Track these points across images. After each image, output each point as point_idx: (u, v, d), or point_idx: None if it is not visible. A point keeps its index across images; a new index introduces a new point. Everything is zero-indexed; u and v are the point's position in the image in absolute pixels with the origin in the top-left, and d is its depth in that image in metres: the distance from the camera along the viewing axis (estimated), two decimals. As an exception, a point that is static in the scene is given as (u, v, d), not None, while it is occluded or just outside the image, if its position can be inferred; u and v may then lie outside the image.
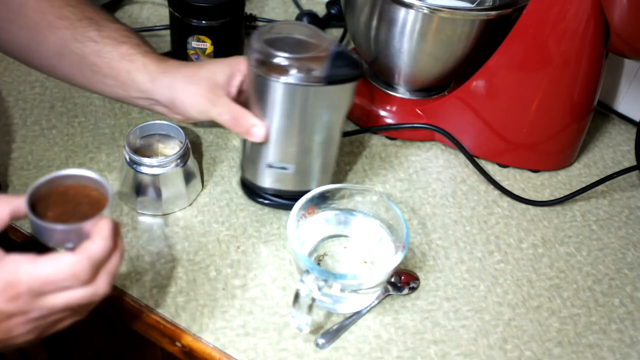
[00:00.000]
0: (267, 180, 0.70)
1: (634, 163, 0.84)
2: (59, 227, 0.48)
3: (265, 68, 0.61)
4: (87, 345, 0.91)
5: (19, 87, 0.85)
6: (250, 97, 0.65)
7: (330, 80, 0.61)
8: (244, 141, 0.69)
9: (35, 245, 0.63)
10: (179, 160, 0.69)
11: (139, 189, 0.69)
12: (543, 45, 0.72)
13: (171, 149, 0.73)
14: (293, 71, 0.60)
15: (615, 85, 0.91)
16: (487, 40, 0.76)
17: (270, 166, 0.68)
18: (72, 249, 0.49)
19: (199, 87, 0.66)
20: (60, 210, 0.51)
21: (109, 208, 0.51)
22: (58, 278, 0.47)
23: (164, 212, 0.71)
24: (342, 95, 0.63)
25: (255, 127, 0.64)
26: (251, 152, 0.68)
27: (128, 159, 0.68)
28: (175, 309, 0.63)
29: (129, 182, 0.69)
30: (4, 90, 0.84)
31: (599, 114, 0.93)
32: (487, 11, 0.74)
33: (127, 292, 0.64)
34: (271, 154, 0.67)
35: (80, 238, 0.49)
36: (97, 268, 0.49)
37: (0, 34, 0.68)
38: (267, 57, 0.61)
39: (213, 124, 0.77)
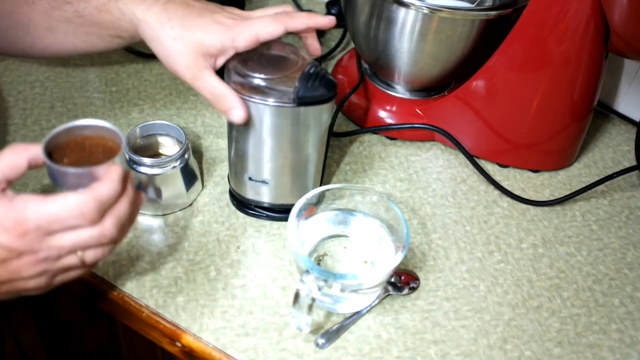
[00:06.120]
0: (249, 192, 0.70)
1: (634, 163, 0.84)
2: (72, 170, 0.50)
3: (240, 86, 0.61)
4: (87, 345, 0.91)
5: (19, 87, 0.85)
6: None
7: (303, 101, 0.61)
8: (229, 153, 0.69)
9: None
10: (179, 160, 0.69)
11: (139, 189, 0.69)
12: (543, 45, 0.72)
13: (171, 149, 0.73)
14: (266, 92, 0.60)
15: (615, 85, 0.91)
16: (487, 40, 0.76)
17: (250, 179, 0.68)
18: None
19: (181, 53, 0.61)
20: (75, 157, 0.53)
21: (120, 156, 0.52)
22: (65, 216, 0.48)
23: (164, 212, 0.71)
24: (316, 115, 0.63)
25: (234, 109, 0.61)
26: (233, 164, 0.69)
27: (128, 159, 0.68)
28: (175, 309, 0.63)
29: (129, 182, 0.69)
30: (4, 90, 0.84)
31: (599, 114, 0.93)
32: (487, 11, 0.74)
33: (127, 292, 0.64)
34: (250, 168, 0.67)
35: (93, 183, 0.50)
36: (104, 209, 0.49)
37: None
38: (242, 77, 0.61)
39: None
